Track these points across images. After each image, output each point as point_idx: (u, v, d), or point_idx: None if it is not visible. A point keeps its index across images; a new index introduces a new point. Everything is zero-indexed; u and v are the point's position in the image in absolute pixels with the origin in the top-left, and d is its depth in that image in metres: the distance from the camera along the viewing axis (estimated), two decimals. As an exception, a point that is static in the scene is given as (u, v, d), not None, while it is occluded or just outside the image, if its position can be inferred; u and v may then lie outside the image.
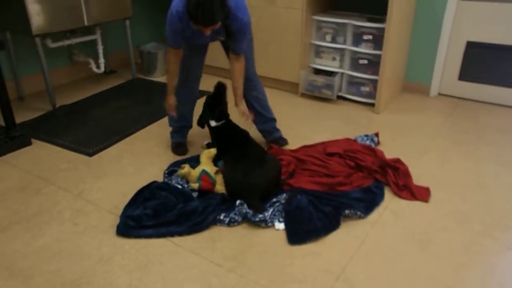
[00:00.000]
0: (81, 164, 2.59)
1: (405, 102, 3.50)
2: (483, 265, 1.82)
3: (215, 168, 2.33)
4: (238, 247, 1.92)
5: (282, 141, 2.75)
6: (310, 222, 2.01)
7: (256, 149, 2.29)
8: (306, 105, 3.45)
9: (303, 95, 3.58)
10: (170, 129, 2.72)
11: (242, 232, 2.01)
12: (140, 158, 2.64)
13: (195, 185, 2.23)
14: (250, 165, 2.15)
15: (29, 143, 2.78)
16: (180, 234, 1.97)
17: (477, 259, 1.86)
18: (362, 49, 3.26)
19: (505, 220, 2.10)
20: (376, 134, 2.80)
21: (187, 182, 2.28)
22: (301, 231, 1.98)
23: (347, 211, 2.07)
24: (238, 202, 2.07)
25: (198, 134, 2.89)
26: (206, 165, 2.35)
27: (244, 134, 2.38)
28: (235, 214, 2.04)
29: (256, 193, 2.11)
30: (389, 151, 2.64)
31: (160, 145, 2.79)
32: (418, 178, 2.40)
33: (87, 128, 3.02)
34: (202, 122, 2.50)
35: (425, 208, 2.20)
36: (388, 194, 2.29)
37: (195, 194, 2.21)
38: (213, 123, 2.41)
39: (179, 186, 2.25)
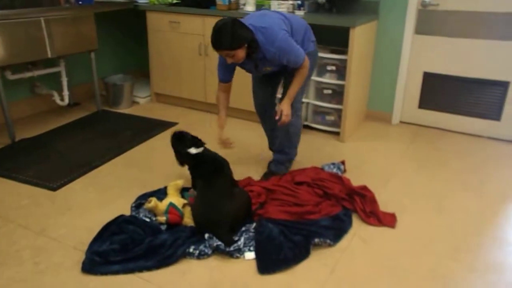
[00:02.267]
0: (44, 199, 2.49)
1: (369, 130, 3.61)
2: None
3: (182, 200, 2.31)
4: (209, 280, 1.88)
5: (268, 175, 2.75)
6: (280, 252, 2.00)
7: (226, 181, 2.27)
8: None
9: (270, 124, 3.63)
10: None
11: (212, 264, 1.98)
12: (106, 192, 2.58)
13: (162, 219, 2.19)
14: (218, 198, 2.13)
15: (-13, 179, 2.67)
16: (149, 268, 1.92)
17: (443, 282, 1.90)
18: (326, 79, 3.36)
19: (468, 243, 2.17)
20: (342, 162, 2.86)
21: (155, 215, 2.24)
22: (272, 261, 1.97)
23: (316, 240, 2.08)
24: (207, 235, 2.05)
25: (170, 172, 2.86)
26: (174, 197, 2.32)
27: (219, 164, 2.33)
28: (204, 246, 2.01)
29: (224, 227, 2.09)
30: (355, 179, 2.69)
31: (126, 178, 2.74)
32: (385, 204, 2.45)
33: (50, 161, 2.93)
34: (181, 158, 2.41)
35: (392, 233, 2.24)
36: (356, 221, 2.32)
37: (163, 227, 2.17)
38: (193, 151, 2.35)
39: (147, 219, 2.20)
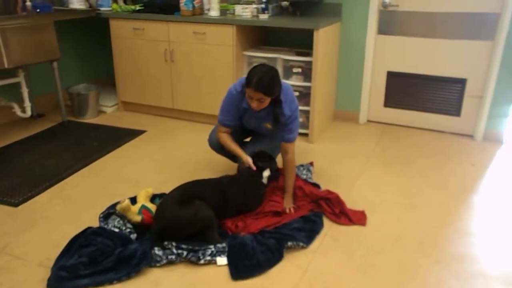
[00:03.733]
0: (5, 216, 2.40)
1: (337, 130, 3.66)
2: (418, 281, 1.90)
3: (153, 205, 2.29)
4: (182, 286, 1.86)
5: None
6: (253, 257, 2.00)
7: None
8: (243, 138, 3.50)
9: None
10: None
11: (183, 271, 1.96)
12: (74, 204, 2.51)
13: (138, 217, 2.18)
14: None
15: None
16: (119, 280, 1.88)
17: (412, 275, 1.94)
18: (293, 81, 3.39)
19: (433, 236, 2.23)
20: (311, 164, 2.89)
21: (125, 224, 2.20)
22: (245, 266, 1.96)
23: (289, 243, 2.09)
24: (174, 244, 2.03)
25: (140, 181, 2.82)
26: (145, 202, 2.30)
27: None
28: (171, 253, 1.99)
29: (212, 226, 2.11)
30: (325, 179, 2.72)
31: (93, 190, 2.68)
32: (355, 202, 2.49)
33: (12, 176, 2.83)
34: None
35: (363, 232, 2.27)
36: (327, 221, 2.35)
37: (133, 237, 2.13)
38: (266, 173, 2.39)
39: (116, 230, 2.16)
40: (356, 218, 2.35)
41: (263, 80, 2.16)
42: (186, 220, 2.08)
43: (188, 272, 1.95)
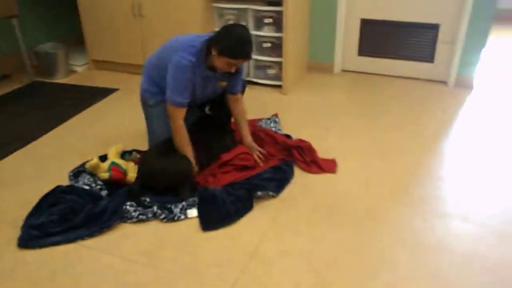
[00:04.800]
0: (-23, 178, 2.38)
1: (311, 81, 3.64)
2: (384, 223, 1.97)
3: (124, 161, 2.29)
4: (152, 241, 1.89)
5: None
6: (223, 208, 2.03)
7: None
8: (217, 93, 3.46)
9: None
10: None
11: (156, 226, 1.98)
12: (44, 164, 2.49)
13: (106, 175, 2.18)
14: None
15: None
16: (91, 235, 1.90)
17: (379, 219, 2.00)
18: (264, 32, 3.32)
19: (403, 182, 2.28)
20: (276, 115, 2.89)
21: (95, 181, 2.20)
22: (214, 217, 1.99)
23: (259, 193, 2.12)
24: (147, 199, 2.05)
25: (111, 139, 2.79)
26: (115, 158, 2.29)
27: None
28: (142, 212, 2.01)
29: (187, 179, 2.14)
30: (296, 130, 2.73)
31: (65, 149, 2.65)
32: (326, 152, 2.52)
33: (-18, 139, 2.79)
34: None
35: (333, 179, 2.31)
36: (297, 170, 2.38)
37: (104, 193, 2.14)
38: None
39: (86, 187, 2.16)
40: (327, 166, 2.39)
41: (252, 47, 2.11)
42: (170, 169, 2.11)
43: (160, 227, 1.98)
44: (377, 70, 3.74)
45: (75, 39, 4.30)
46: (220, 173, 2.29)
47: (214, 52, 2.10)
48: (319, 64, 3.81)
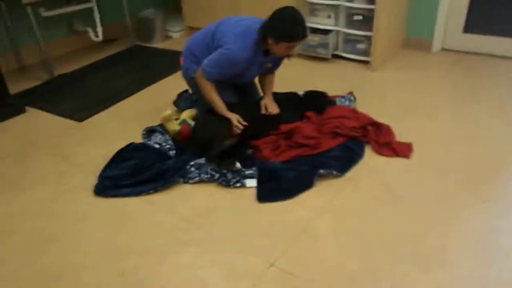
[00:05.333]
0: (72, 130, 2.65)
1: (405, 59, 3.37)
2: (459, 220, 1.78)
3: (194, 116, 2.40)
4: (208, 204, 1.95)
5: None
6: (282, 182, 2.00)
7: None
8: (301, 65, 3.39)
9: (298, 55, 3.50)
10: None
11: (213, 190, 2.04)
12: (129, 123, 2.68)
13: (177, 127, 2.29)
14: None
15: (23, 111, 2.87)
16: (155, 189, 2.01)
17: (453, 214, 1.82)
18: (356, 3, 3.14)
19: (486, 174, 2.03)
20: (351, 93, 2.73)
21: (166, 140, 2.31)
22: (272, 189, 1.98)
23: (321, 171, 2.05)
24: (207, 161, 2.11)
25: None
26: (187, 116, 2.37)
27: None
28: (205, 172, 2.07)
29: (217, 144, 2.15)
30: (377, 110, 2.57)
31: (148, 110, 2.80)
32: (405, 135, 2.33)
33: (82, 95, 3.08)
34: None
35: (405, 164, 2.15)
36: (368, 152, 2.25)
37: (172, 153, 2.24)
38: None
39: (157, 146, 2.28)
40: (401, 150, 2.22)
41: (306, 25, 2.10)
42: (202, 129, 2.20)
43: (218, 191, 2.03)
44: (483, 49, 3.33)
45: (173, 6, 4.49)
46: (285, 146, 2.25)
47: (271, 42, 2.09)
48: (416, 40, 3.51)
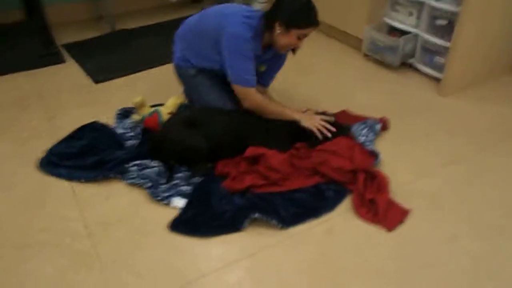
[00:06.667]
0: (84, 89, 2.60)
1: (499, 89, 2.49)
2: None
3: (172, 110, 2.12)
4: (121, 213, 1.70)
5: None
6: (207, 212, 1.65)
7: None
8: (362, 68, 2.79)
9: (366, 55, 2.87)
10: None
11: (138, 198, 1.77)
12: (136, 96, 2.50)
13: (137, 117, 2.07)
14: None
15: (62, 61, 2.92)
16: (87, 178, 1.84)
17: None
18: (442, 4, 2.37)
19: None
20: (381, 120, 2.09)
21: (134, 128, 2.10)
22: (190, 221, 1.63)
23: (257, 214, 1.60)
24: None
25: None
26: (166, 108, 2.12)
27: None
28: (143, 176, 1.81)
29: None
30: (405, 153, 1.95)
31: (161, 86, 2.59)
32: (415, 194, 1.71)
33: (122, 55, 3.01)
34: None
35: (399, 232, 1.58)
36: (343, 206, 1.70)
37: (129, 143, 2.02)
38: None
39: (122, 130, 2.10)
40: (385, 218, 1.61)
41: (316, 10, 1.81)
42: (174, 142, 1.83)
43: (142, 200, 1.76)
44: None
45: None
46: (246, 168, 1.82)
47: (279, 29, 1.81)
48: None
